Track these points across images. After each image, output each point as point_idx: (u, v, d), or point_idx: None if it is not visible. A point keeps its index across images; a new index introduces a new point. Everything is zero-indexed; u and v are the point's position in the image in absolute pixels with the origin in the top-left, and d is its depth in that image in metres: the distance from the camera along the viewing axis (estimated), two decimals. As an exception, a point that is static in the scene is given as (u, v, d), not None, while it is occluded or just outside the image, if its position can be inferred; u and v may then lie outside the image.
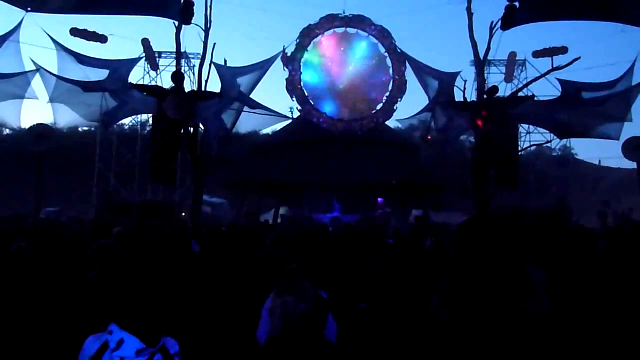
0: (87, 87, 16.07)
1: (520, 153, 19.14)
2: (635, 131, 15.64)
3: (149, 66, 18.56)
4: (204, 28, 16.60)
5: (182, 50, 17.70)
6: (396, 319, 4.22)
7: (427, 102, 19.85)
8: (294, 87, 21.88)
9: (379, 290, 4.50)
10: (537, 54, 18.15)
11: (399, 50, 21.90)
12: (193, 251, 5.59)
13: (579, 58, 16.33)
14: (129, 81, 17.04)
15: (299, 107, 22.07)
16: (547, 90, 26.07)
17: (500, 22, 16.20)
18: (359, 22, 22.19)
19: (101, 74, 16.33)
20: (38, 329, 3.10)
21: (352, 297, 4.91)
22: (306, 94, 22.14)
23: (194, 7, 15.99)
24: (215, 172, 22.12)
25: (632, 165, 15.42)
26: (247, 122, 19.74)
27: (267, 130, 29.14)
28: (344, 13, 22.19)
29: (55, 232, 4.10)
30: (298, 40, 22.01)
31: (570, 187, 21.30)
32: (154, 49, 18.42)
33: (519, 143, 19.12)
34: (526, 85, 17.83)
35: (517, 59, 19.11)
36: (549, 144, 20.54)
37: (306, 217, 20.33)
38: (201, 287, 4.34)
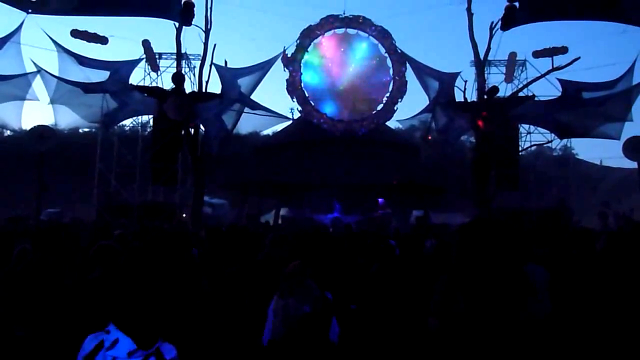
0: (88, 88, 16.09)
1: (520, 153, 19.13)
2: (636, 131, 15.70)
3: (149, 67, 18.58)
4: (204, 29, 16.64)
5: (183, 51, 17.74)
6: (398, 321, 4.22)
7: (428, 102, 19.88)
8: (294, 87, 21.88)
9: (380, 293, 4.50)
10: (537, 54, 18.15)
11: (399, 51, 21.89)
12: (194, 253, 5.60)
13: (579, 58, 16.37)
14: (130, 82, 17.07)
15: (299, 108, 22.08)
16: (547, 90, 26.04)
17: (500, 22, 16.22)
18: (359, 22, 22.18)
19: (102, 75, 16.35)
20: (40, 330, 3.11)
21: (350, 298, 4.92)
22: (306, 95, 22.14)
23: (194, 8, 16.04)
24: (215, 172, 22.13)
25: (633, 165, 15.41)
26: (247, 123, 19.76)
27: (268, 131, 29.22)
28: (344, 14, 22.18)
29: (58, 233, 4.11)
30: (298, 41, 22.01)
31: (570, 187, 21.27)
32: (155, 50, 18.45)
33: (519, 143, 19.12)
34: (526, 85, 17.85)
35: (517, 59, 19.11)
36: (549, 144, 20.56)
37: (307, 218, 20.34)
38: (202, 288, 4.34)
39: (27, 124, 18.36)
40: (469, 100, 17.23)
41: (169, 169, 17.75)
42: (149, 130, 20.07)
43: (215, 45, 16.62)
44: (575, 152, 34.62)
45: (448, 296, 2.04)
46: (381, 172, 20.08)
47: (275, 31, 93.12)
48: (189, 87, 17.27)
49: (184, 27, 16.53)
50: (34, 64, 15.41)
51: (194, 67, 18.36)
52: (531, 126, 19.63)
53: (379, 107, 22.35)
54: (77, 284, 3.55)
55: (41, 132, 13.51)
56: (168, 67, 18.77)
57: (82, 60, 16.50)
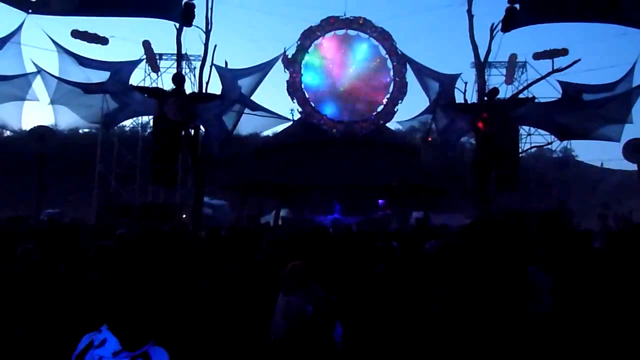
0: (88, 88, 16.09)
1: (520, 155, 19.14)
2: (636, 133, 15.65)
3: (149, 68, 18.57)
4: (204, 30, 16.62)
5: (183, 52, 17.73)
6: (401, 322, 4.21)
7: (428, 103, 19.88)
8: (294, 88, 21.89)
9: (387, 294, 4.47)
10: (537, 56, 18.16)
11: (400, 52, 21.91)
12: (193, 253, 5.59)
13: (580, 60, 16.34)
14: (130, 83, 17.07)
15: (300, 109, 22.10)
16: (547, 92, 26.00)
17: (500, 24, 16.21)
18: (360, 24, 22.19)
19: (102, 76, 16.34)
20: (41, 329, 3.11)
21: (348, 299, 4.90)
22: (307, 96, 22.15)
23: (195, 9, 16.02)
24: (216, 173, 22.14)
25: (633, 167, 15.41)
26: (247, 124, 19.75)
27: (268, 132, 29.29)
28: (344, 15, 22.20)
29: (60, 234, 4.12)
30: (299, 42, 22.03)
31: (570, 189, 21.28)
32: (155, 51, 18.44)
33: (520, 145, 19.13)
34: (526, 87, 17.84)
35: (517, 60, 19.14)
36: (549, 146, 20.56)
37: (307, 219, 20.34)
38: (202, 289, 4.34)
39: (27, 125, 18.39)
40: (469, 102, 17.23)
41: (169, 169, 17.75)
42: (149, 130, 20.07)
43: (215, 46, 16.63)
44: (575, 154, 34.69)
45: (451, 309, 2.04)
46: (381, 173, 20.08)
47: (276, 32, 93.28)
48: (189, 87, 17.28)
49: (184, 27, 16.52)
50: (34, 64, 15.41)
51: (195, 67, 18.38)
52: (531, 128, 19.65)
53: (380, 109, 22.37)
54: (77, 284, 3.54)
55: (41, 132, 13.52)
56: (168, 67, 18.79)
57: (83, 61, 16.50)
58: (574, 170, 25.86)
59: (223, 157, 19.65)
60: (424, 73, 20.22)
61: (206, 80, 16.53)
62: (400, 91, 22.05)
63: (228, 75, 17.34)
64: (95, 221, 16.32)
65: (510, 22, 15.92)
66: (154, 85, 18.68)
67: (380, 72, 22.68)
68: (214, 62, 16.70)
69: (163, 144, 17.14)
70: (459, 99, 17.60)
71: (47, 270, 3.39)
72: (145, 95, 17.54)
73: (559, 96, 16.93)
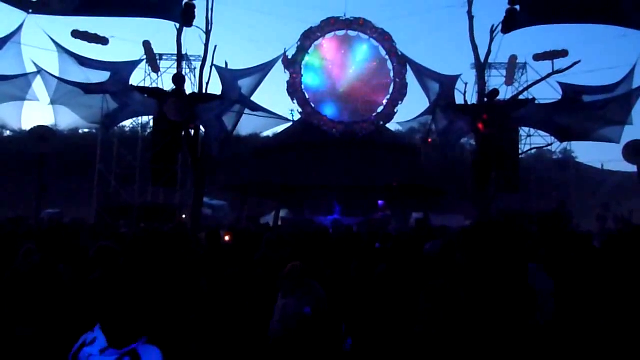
0: (88, 89, 16.08)
1: (520, 156, 19.13)
2: (636, 134, 15.71)
3: (149, 68, 18.58)
4: (205, 30, 16.62)
5: (183, 52, 17.73)
6: (397, 323, 4.20)
7: (428, 104, 19.88)
8: (294, 89, 21.90)
9: (389, 294, 4.46)
10: (537, 57, 18.17)
11: (400, 53, 21.92)
12: (193, 253, 5.58)
13: (580, 61, 16.36)
14: (130, 83, 17.06)
15: (300, 110, 22.11)
16: (547, 94, 26.04)
17: (500, 25, 16.22)
18: (360, 24, 22.20)
19: (102, 76, 16.34)
20: (42, 329, 3.11)
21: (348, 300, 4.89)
22: (307, 97, 22.17)
23: (195, 10, 16.01)
24: (215, 174, 22.13)
25: (633, 168, 15.41)
26: (247, 124, 19.76)
27: (268, 133, 29.31)
28: (344, 16, 22.22)
29: (60, 234, 4.12)
30: (299, 43, 22.04)
31: (570, 190, 21.29)
32: (155, 51, 18.46)
33: (520, 146, 19.13)
34: (527, 88, 17.84)
35: (517, 62, 19.14)
36: (549, 147, 20.57)
37: (307, 220, 20.33)
38: (201, 289, 4.34)
39: (27, 125, 18.34)
40: (469, 103, 17.23)
41: (169, 170, 17.74)
42: (149, 131, 20.07)
43: (215, 46, 16.63)
44: (575, 155, 34.69)
45: (441, 304, 2.02)
46: (381, 174, 20.09)
47: (276, 33, 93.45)
48: (189, 88, 17.27)
49: (184, 28, 16.52)
50: (35, 64, 15.40)
51: (195, 68, 18.38)
52: (531, 129, 19.65)
53: (380, 109, 22.38)
54: (78, 284, 3.54)
55: (41, 132, 13.52)
56: (168, 68, 18.80)
57: (83, 61, 16.49)
58: (573, 171, 25.83)
59: (223, 157, 19.65)
60: (424, 74, 20.22)
61: (206, 80, 16.55)
62: (400, 92, 22.06)
63: (228, 76, 17.33)
64: (95, 221, 16.31)
65: (511, 23, 15.91)
66: (154, 85, 18.70)
67: (381, 73, 22.69)
68: (214, 63, 16.72)
69: (163, 144, 17.13)
70: (459, 100, 17.62)
71: (49, 271, 3.39)
72: (146, 95, 17.53)
73: (559, 97, 16.94)
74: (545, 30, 17.64)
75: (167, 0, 16.07)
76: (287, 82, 21.85)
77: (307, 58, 22.32)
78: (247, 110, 18.35)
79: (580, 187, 25.90)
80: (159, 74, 18.85)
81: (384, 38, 22.09)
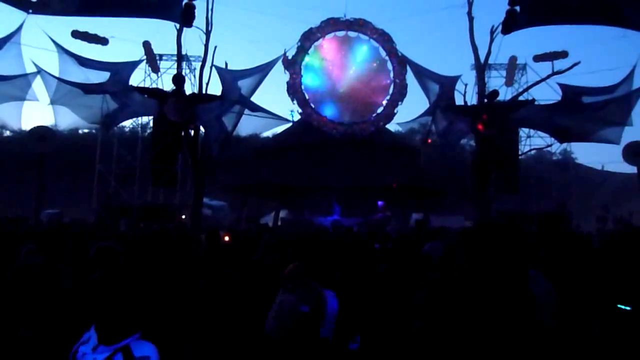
0: (88, 89, 16.08)
1: (520, 157, 19.13)
2: (636, 135, 15.65)
3: (149, 68, 18.59)
4: (204, 31, 16.62)
5: (183, 52, 17.74)
6: (397, 321, 4.20)
7: (428, 105, 19.88)
8: (294, 90, 21.90)
9: (390, 294, 4.45)
10: (537, 58, 18.17)
11: (400, 54, 21.92)
12: (193, 253, 5.59)
13: (579, 62, 16.37)
14: (130, 83, 17.04)
15: (300, 110, 22.11)
16: (547, 95, 26.13)
17: (500, 26, 16.22)
18: (360, 25, 22.21)
19: (102, 76, 16.34)
20: (43, 330, 3.10)
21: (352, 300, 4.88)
22: (307, 97, 22.16)
23: (195, 10, 16.01)
24: (215, 174, 22.12)
25: (633, 169, 15.41)
26: (247, 125, 19.74)
27: (268, 133, 29.30)
28: (345, 16, 22.22)
29: (61, 234, 4.11)
30: (299, 44, 22.04)
31: (570, 191, 21.29)
32: (155, 52, 18.45)
33: (519, 147, 19.14)
34: (526, 89, 17.85)
35: (517, 63, 19.15)
36: (549, 148, 20.58)
37: (306, 220, 20.32)
38: (200, 288, 4.34)
39: (27, 125, 18.35)
40: (469, 104, 17.23)
41: (168, 170, 17.74)
42: (148, 131, 20.08)
43: (215, 47, 16.63)
44: (575, 157, 34.71)
45: (435, 293, 2.02)
46: (381, 175, 20.10)
47: (276, 33, 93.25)
48: (189, 88, 17.26)
49: (184, 28, 16.53)
50: (34, 64, 15.39)
51: (195, 68, 18.41)
52: (531, 130, 19.66)
53: (379, 110, 22.38)
54: (78, 285, 3.54)
55: (41, 132, 13.50)
56: (168, 68, 18.82)
57: (83, 61, 16.48)
58: (573, 172, 25.86)
59: (223, 158, 19.64)
60: (424, 75, 20.22)
61: (206, 81, 16.55)
62: (400, 93, 22.06)
63: (228, 76, 17.33)
64: (95, 221, 16.32)
65: (511, 24, 15.92)
66: (154, 85, 18.70)
67: (380, 74, 22.70)
68: (214, 63, 16.72)
69: (163, 144, 17.13)
70: (459, 100, 17.61)
71: (50, 272, 3.39)
72: (145, 95, 17.51)
73: (559, 98, 16.94)
74: (545, 31, 17.68)
75: (167, 0, 16.07)
76: (287, 82, 21.85)
77: (307, 59, 22.32)
78: (247, 111, 18.34)
79: (580, 188, 25.92)
80: (159, 74, 18.87)
81: (384, 39, 22.10)
